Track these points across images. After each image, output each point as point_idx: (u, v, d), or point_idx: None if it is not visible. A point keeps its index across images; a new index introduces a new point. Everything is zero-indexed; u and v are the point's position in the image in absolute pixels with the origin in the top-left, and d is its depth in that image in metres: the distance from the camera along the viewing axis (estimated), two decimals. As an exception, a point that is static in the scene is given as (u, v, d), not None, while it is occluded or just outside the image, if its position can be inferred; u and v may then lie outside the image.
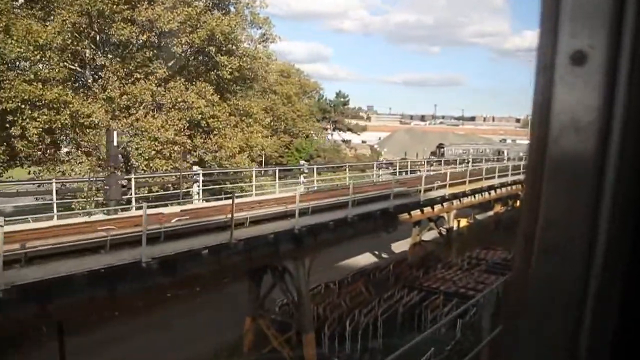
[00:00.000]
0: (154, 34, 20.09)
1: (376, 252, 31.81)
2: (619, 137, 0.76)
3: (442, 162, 55.72)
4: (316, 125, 60.25)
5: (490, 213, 38.90)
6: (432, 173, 31.68)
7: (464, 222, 36.14)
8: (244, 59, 22.01)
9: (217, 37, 20.89)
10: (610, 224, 0.77)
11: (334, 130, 57.88)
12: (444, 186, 22.35)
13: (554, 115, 0.80)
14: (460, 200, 25.78)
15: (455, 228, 36.25)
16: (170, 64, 21.64)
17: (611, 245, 0.78)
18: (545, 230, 0.82)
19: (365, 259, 30.21)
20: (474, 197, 28.29)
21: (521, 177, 30.64)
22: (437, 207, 23.94)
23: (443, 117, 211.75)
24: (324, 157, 45.55)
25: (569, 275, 0.81)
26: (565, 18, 0.78)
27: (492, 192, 31.15)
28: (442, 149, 76.84)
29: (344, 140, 60.70)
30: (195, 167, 18.20)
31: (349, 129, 58.82)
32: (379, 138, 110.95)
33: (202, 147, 21.82)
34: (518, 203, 40.35)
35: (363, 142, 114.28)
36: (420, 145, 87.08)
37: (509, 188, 34.27)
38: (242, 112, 24.04)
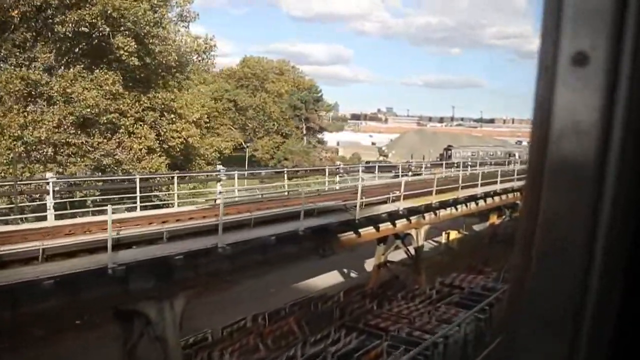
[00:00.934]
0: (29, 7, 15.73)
1: (345, 271, 26.95)
2: (619, 138, 0.76)
3: (448, 165, 49.79)
4: (290, 124, 55.52)
5: (488, 223, 33.70)
6: (409, 179, 26.65)
7: (454, 235, 31.18)
8: (152, 41, 17.52)
9: (111, 12, 16.45)
10: (611, 226, 0.77)
11: (307, 130, 53.23)
12: (399, 198, 17.55)
13: (554, 116, 0.80)
14: (436, 214, 21.00)
15: (444, 241, 31.40)
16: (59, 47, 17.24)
17: (611, 247, 0.78)
18: (545, 232, 0.82)
19: (334, 278, 25.39)
20: (466, 206, 24.30)
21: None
22: (402, 223, 19.21)
23: (462, 119, 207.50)
24: (292, 161, 40.93)
25: (568, 278, 0.80)
26: (567, 19, 0.78)
27: (490, 199, 27.00)
28: (450, 152, 71.64)
29: (319, 142, 55.80)
30: (48, 174, 13.87)
31: (322, 128, 54.04)
32: (390, 140, 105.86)
33: (100, 148, 17.41)
34: (519, 212, 35.15)
35: (373, 143, 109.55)
36: (429, 148, 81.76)
37: (510, 195, 29.09)
38: (163, 106, 19.56)
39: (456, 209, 23.74)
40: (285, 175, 21.30)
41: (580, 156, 0.78)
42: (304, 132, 50.89)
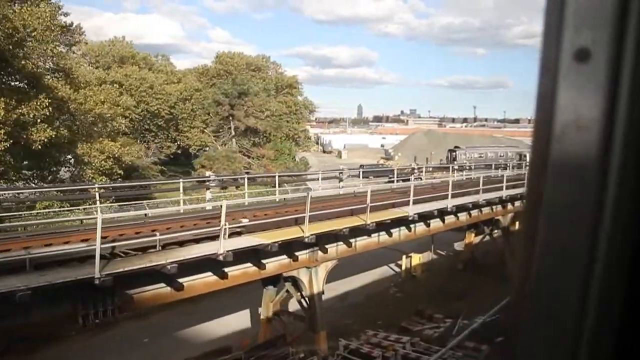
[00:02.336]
0: None
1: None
2: (622, 134, 0.75)
3: (451, 168, 44.52)
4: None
5: (464, 243, 26.59)
6: (319, 193, 20.03)
7: (417, 260, 24.23)
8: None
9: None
10: (614, 222, 0.77)
11: (235, 131, 46.57)
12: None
13: (557, 112, 0.79)
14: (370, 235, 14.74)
15: (407, 266, 24.50)
16: None
17: (614, 243, 0.77)
18: (548, 228, 0.82)
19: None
20: (426, 225, 18.69)
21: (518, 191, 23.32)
22: (284, 262, 13.57)
23: (486, 120, 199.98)
24: (209, 168, 34.43)
25: (570, 274, 0.80)
26: (569, 15, 0.77)
27: (467, 213, 21.45)
28: (454, 153, 64.43)
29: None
30: None
31: (254, 130, 47.29)
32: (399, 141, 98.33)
33: None
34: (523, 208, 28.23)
35: (382, 145, 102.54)
36: (437, 149, 74.54)
37: (495, 208, 23.49)
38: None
39: (409, 229, 17.74)
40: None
41: (583, 152, 0.77)
42: (232, 133, 44.29)
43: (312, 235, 12.52)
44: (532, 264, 0.83)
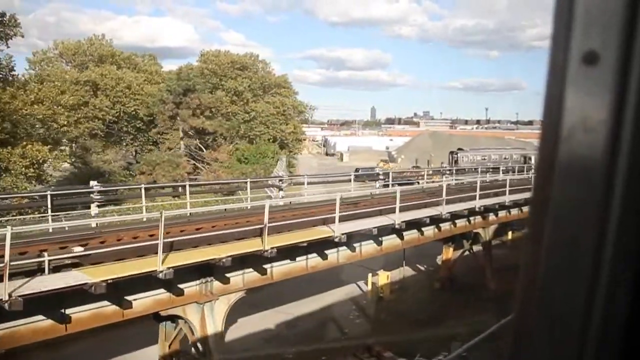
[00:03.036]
0: None
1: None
2: (630, 137, 0.75)
3: (454, 171, 41.45)
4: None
5: (440, 260, 23.29)
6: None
7: (384, 279, 21.06)
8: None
9: None
10: (621, 224, 0.77)
11: (184, 133, 43.59)
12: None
13: (565, 114, 0.79)
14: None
15: (375, 286, 21.43)
16: None
17: (621, 245, 0.77)
18: (554, 229, 0.82)
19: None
20: (400, 237, 16.83)
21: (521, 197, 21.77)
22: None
23: (499, 122, 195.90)
24: (149, 174, 31.43)
25: (577, 275, 0.80)
26: (578, 18, 0.78)
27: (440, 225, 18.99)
28: (456, 156, 61.25)
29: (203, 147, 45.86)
30: None
31: (201, 130, 44.20)
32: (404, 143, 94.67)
33: None
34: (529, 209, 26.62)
35: (387, 148, 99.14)
36: (443, 151, 71.20)
37: (476, 219, 20.82)
38: None
39: (380, 243, 15.85)
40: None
41: (590, 154, 0.77)
42: (181, 135, 41.29)
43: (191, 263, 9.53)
44: (538, 266, 0.83)
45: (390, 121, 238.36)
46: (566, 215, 0.80)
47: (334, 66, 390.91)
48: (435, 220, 17.40)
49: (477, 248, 22.16)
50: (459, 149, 69.67)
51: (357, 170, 56.02)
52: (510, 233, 28.44)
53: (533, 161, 57.46)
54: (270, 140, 47.78)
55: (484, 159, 62.81)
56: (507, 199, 20.81)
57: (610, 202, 0.76)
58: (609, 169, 0.76)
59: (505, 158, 59.91)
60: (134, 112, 43.63)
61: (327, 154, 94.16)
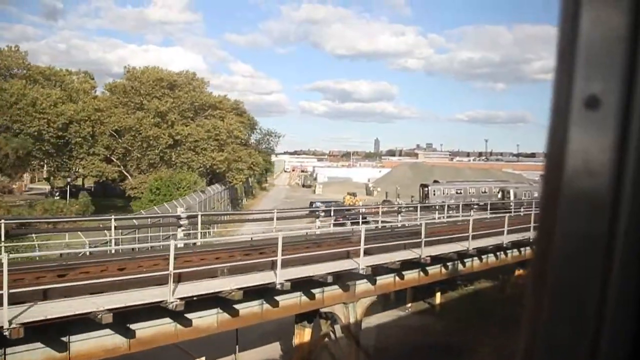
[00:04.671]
0: None
1: None
2: (632, 180, 0.77)
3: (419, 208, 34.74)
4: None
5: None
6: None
7: None
8: None
9: None
10: (624, 262, 0.78)
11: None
12: None
13: (568, 157, 0.81)
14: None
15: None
16: None
17: (623, 291, 0.79)
18: (557, 277, 0.83)
19: None
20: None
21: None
22: None
23: (501, 154, 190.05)
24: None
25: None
26: (579, 63, 0.80)
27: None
28: (427, 189, 53.76)
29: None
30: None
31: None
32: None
33: None
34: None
35: (368, 180, 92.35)
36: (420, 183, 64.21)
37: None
38: None
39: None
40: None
41: (593, 197, 0.78)
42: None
43: None
44: (542, 311, 0.84)
45: (391, 153, 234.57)
46: (571, 257, 0.81)
47: (340, 98, 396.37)
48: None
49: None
50: (435, 181, 62.66)
51: (311, 204, 48.99)
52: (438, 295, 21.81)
53: (512, 195, 50.12)
54: (200, 169, 41.26)
55: (459, 193, 55.49)
56: (424, 253, 14.25)
57: (614, 245, 0.77)
58: (613, 211, 0.77)
59: (484, 192, 55.15)
60: (36, 133, 37.40)
61: (303, 185, 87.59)
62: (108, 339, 9.46)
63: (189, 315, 10.58)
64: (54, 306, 8.78)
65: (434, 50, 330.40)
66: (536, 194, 51.04)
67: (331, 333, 15.33)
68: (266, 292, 11.79)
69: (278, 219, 20.83)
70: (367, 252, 13.76)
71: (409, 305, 22.35)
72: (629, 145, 0.75)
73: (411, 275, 16.07)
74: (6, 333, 7.68)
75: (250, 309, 11.87)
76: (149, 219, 24.18)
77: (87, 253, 14.95)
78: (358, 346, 14.54)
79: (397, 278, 15.49)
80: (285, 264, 12.01)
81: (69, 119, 41.03)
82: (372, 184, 79.93)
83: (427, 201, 54.03)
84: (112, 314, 8.73)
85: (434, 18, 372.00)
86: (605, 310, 0.78)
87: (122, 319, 9.33)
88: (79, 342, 9.20)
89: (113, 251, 15.66)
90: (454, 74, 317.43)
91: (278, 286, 11.27)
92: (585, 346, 0.79)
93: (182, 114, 43.30)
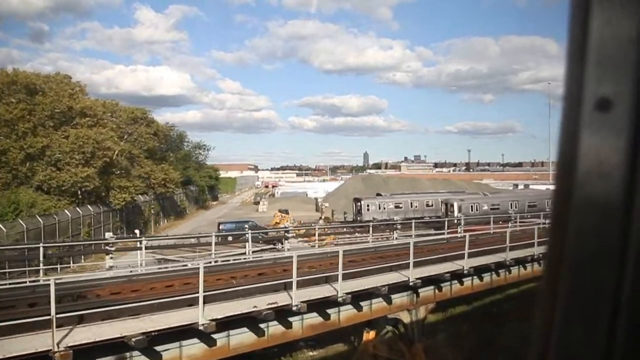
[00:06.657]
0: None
1: None
2: None
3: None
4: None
5: None
6: None
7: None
8: None
9: None
10: (638, 264, 0.77)
11: None
12: None
13: (579, 160, 0.80)
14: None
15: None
16: None
17: (637, 297, 0.79)
18: (569, 286, 0.82)
19: None
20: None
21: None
22: None
23: (488, 164, 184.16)
24: None
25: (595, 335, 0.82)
26: (591, 65, 0.79)
27: None
28: (359, 204, 46.09)
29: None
30: None
31: None
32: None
33: None
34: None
35: (326, 192, 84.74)
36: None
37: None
38: None
39: None
40: None
41: (605, 200, 0.77)
42: None
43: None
44: (556, 314, 0.83)
45: (377, 166, 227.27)
46: (584, 263, 0.79)
47: (329, 113, 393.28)
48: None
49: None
50: (377, 194, 55.03)
51: (219, 225, 41.16)
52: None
53: (456, 209, 43.54)
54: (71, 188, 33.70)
55: (398, 207, 47.59)
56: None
57: (627, 248, 0.76)
58: (625, 213, 0.76)
59: (428, 205, 49.40)
60: None
61: (254, 202, 79.75)
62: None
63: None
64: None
65: (421, 64, 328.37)
66: (485, 207, 43.20)
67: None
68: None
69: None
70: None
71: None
72: None
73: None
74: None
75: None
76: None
77: None
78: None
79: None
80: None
81: None
82: (322, 199, 71.47)
83: (359, 217, 46.13)
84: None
85: (421, 32, 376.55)
86: (619, 313, 0.76)
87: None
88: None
89: None
90: (443, 86, 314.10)
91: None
92: (599, 350, 0.78)
93: (42, 123, 35.95)
